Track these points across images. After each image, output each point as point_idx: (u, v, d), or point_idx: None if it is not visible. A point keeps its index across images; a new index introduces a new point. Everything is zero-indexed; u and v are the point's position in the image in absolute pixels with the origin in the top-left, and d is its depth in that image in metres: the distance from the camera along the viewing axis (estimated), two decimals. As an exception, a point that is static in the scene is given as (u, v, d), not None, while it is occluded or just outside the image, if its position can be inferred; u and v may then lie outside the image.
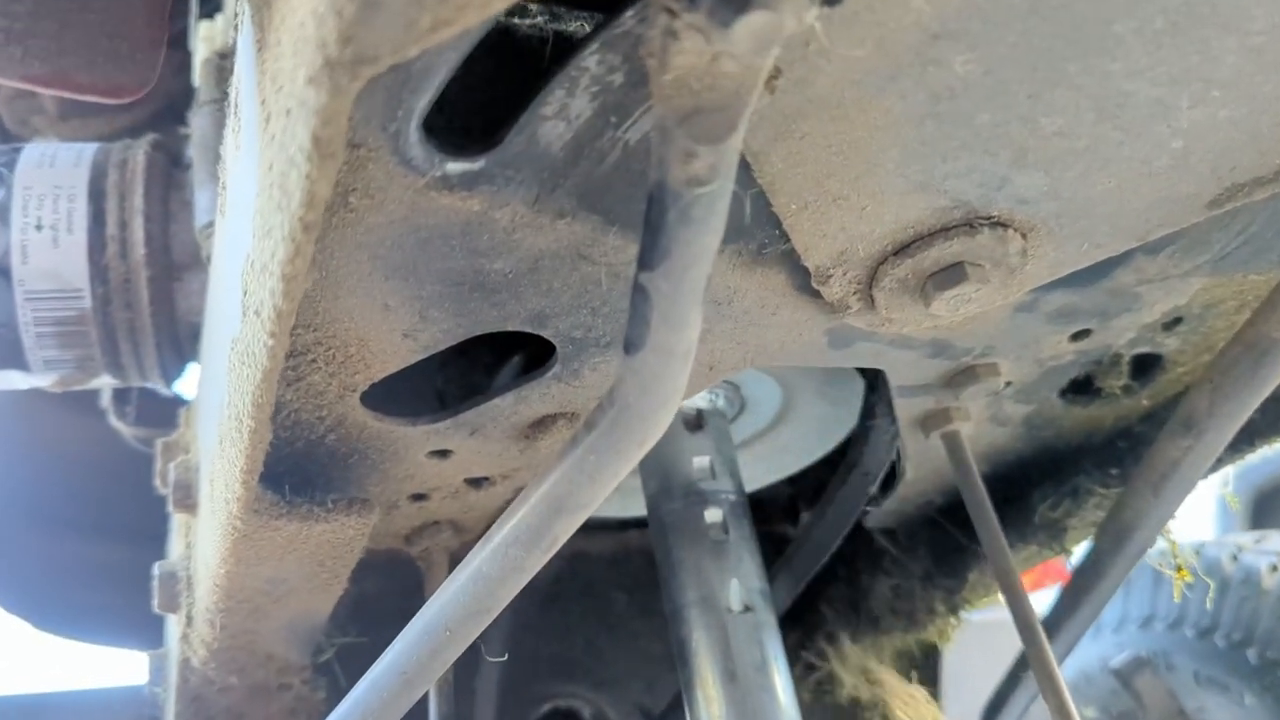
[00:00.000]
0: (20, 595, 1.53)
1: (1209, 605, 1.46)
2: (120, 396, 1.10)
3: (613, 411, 0.51)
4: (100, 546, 1.63)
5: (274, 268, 0.42)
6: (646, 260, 0.46)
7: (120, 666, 1.84)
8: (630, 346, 0.49)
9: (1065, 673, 1.52)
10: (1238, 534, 1.56)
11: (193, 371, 1.03)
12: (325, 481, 0.70)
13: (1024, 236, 0.61)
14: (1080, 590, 0.80)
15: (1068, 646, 0.82)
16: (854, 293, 0.62)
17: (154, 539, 1.65)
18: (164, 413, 1.21)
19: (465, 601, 0.59)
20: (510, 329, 0.62)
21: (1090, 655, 1.62)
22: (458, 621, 0.60)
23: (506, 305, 0.59)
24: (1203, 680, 1.43)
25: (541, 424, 0.74)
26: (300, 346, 0.57)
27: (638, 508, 1.18)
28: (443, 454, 0.74)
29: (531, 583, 1.29)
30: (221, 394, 0.60)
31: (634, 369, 0.49)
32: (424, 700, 1.07)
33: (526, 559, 0.57)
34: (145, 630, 1.65)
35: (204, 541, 0.73)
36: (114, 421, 1.08)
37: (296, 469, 0.68)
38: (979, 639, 1.57)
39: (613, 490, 0.55)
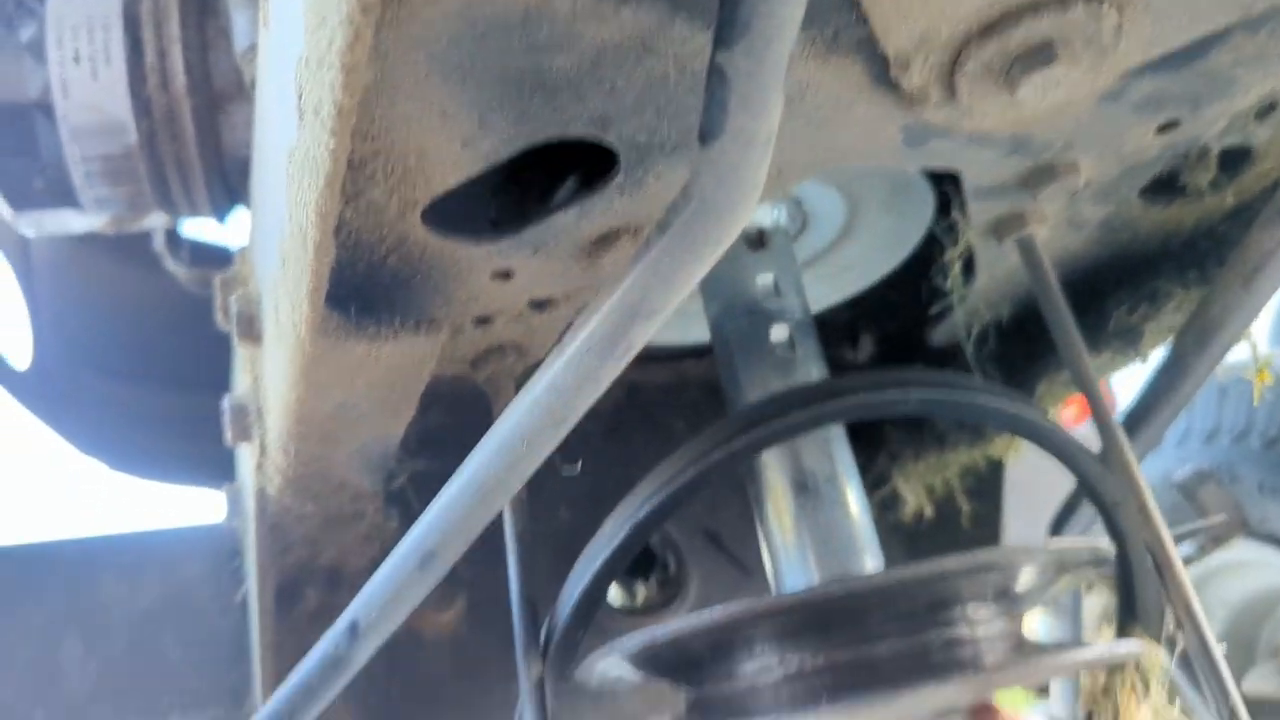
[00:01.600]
0: (92, 438, 1.58)
1: (1276, 415, 1.44)
2: (173, 240, 1.09)
3: (688, 209, 0.49)
4: (163, 394, 1.66)
5: (332, 58, 0.39)
6: (724, 37, 0.43)
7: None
8: (706, 136, 0.47)
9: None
10: (1307, 345, 1.53)
11: (242, 215, 1.02)
12: (389, 305, 0.69)
13: (1119, 10, 0.56)
14: (1161, 390, 0.78)
15: (1147, 447, 0.80)
16: (935, 80, 0.59)
17: (212, 387, 1.68)
18: (216, 263, 1.21)
19: (540, 413, 0.59)
20: (572, 134, 0.59)
21: (1153, 471, 1.61)
22: (534, 433, 0.60)
23: (568, 107, 0.57)
24: (1267, 490, 1.43)
25: (604, 240, 0.72)
26: (358, 159, 0.55)
27: (697, 333, 1.17)
28: (505, 275, 0.73)
29: (593, 413, 1.30)
30: (281, 214, 0.58)
31: (710, 160, 0.47)
32: (499, 522, 1.09)
33: (601, 368, 0.56)
34: (215, 472, 1.70)
35: (272, 370, 0.73)
36: (169, 265, 1.08)
37: (360, 293, 0.67)
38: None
39: (679, 303, 0.54)
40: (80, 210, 0.88)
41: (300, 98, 0.46)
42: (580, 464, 1.16)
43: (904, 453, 1.20)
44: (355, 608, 0.75)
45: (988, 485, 1.21)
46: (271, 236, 0.66)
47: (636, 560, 1.25)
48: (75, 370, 1.56)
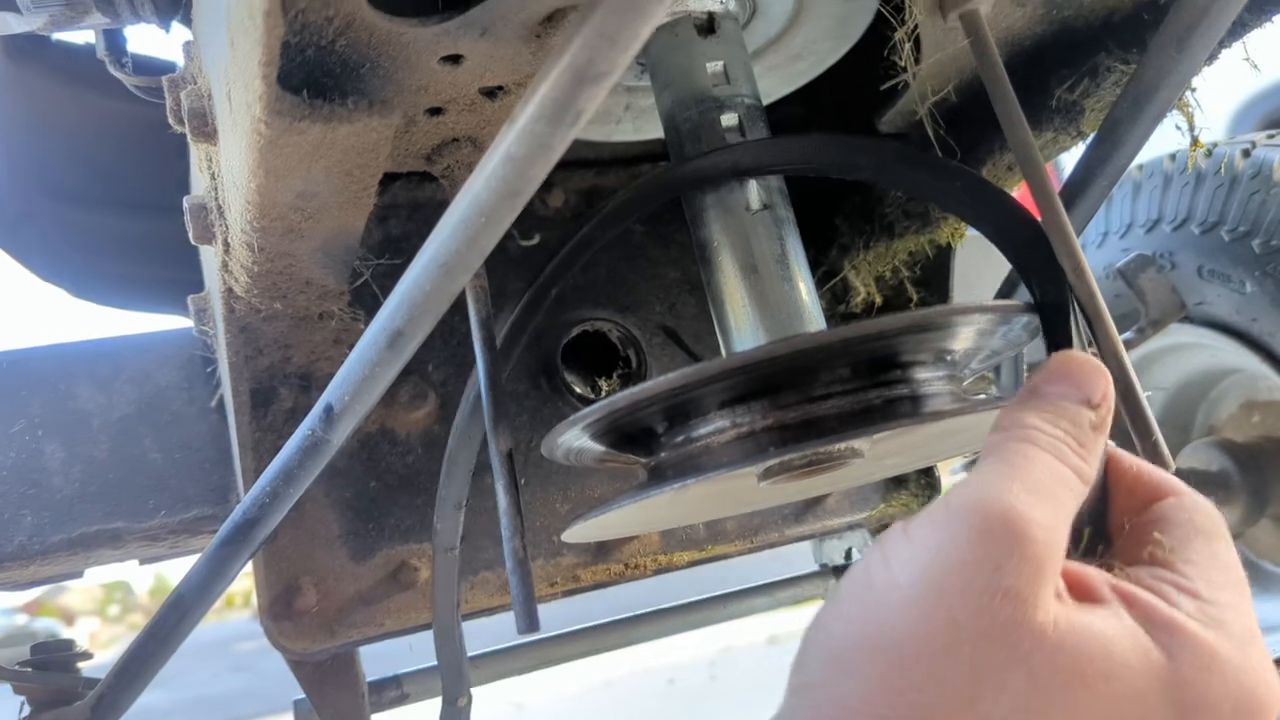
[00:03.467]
0: (53, 264, 1.58)
1: (1217, 202, 1.48)
2: (114, 45, 1.07)
3: (630, -35, 0.50)
4: (121, 219, 1.65)
5: None
6: None
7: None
8: (645, -113, 0.47)
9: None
10: (1250, 134, 1.56)
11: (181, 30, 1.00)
12: (340, 91, 0.69)
13: None
14: (1097, 161, 0.81)
15: (1085, 217, 0.84)
16: None
17: (169, 210, 1.67)
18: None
19: (496, 185, 0.60)
20: (514, -97, 0.59)
21: (1096, 262, 1.66)
22: (491, 206, 0.62)
23: (508, -128, 0.56)
24: (1205, 273, 1.48)
25: (552, 19, 0.72)
26: (299, -70, 0.55)
27: (652, 129, 1.18)
28: (455, 59, 0.73)
29: (553, 218, 1.31)
30: (226, -10, 0.58)
31: (650, -87, 0.48)
32: (464, 323, 1.12)
33: (553, 134, 0.57)
34: (175, 296, 1.71)
35: (230, 163, 0.74)
36: (112, 70, 1.06)
37: (310, 79, 0.67)
38: (982, 245, 1.61)
39: (626, 64, 0.55)
40: (17, 13, 0.86)
41: None
42: (538, 238, 1.19)
43: (854, 243, 1.23)
44: (330, 391, 0.78)
45: (936, 273, 1.25)
46: (217, 21, 0.66)
47: (599, 356, 1.29)
48: (29, 197, 1.54)
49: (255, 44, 0.56)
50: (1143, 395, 0.76)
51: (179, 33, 1.00)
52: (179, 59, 1.45)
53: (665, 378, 0.70)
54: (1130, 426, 0.76)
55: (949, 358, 0.79)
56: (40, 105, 1.56)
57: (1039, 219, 0.80)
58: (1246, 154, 1.47)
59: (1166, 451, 0.76)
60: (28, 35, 1.55)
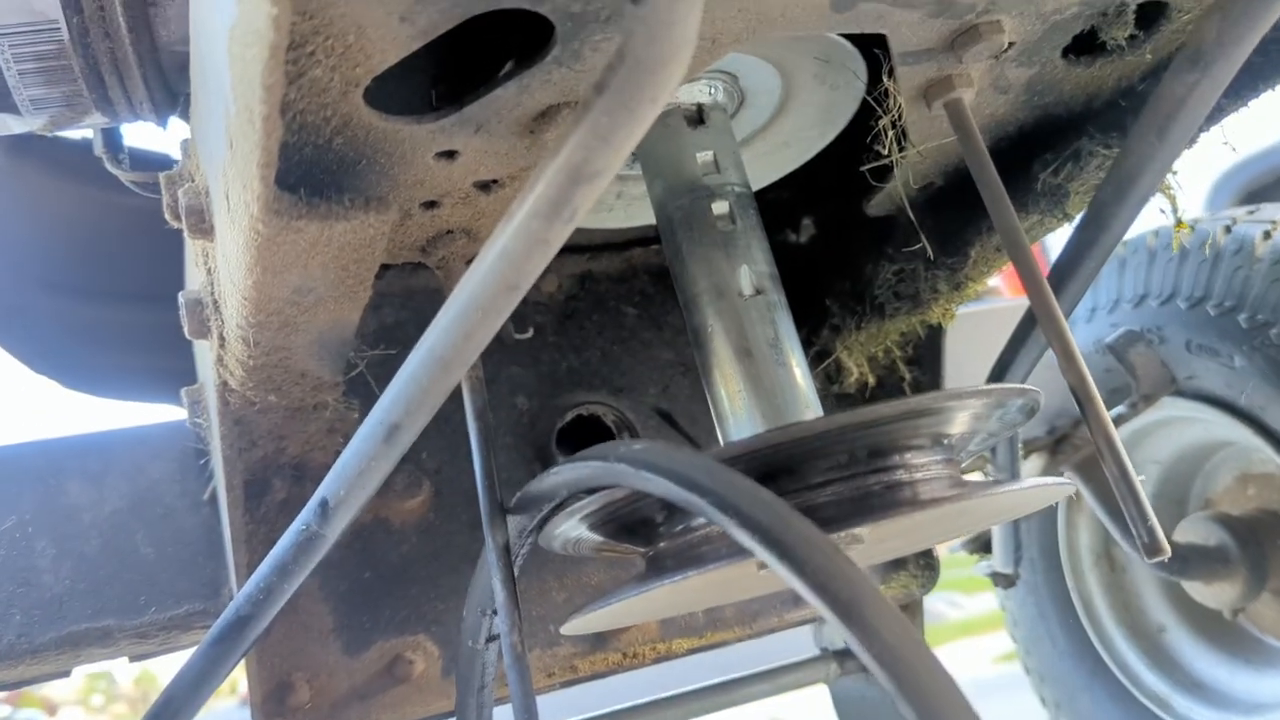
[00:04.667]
0: (44, 356, 1.58)
1: (1201, 277, 1.49)
2: (112, 142, 1.09)
3: (623, 68, 0.51)
4: (112, 309, 1.66)
5: (270, -77, 0.41)
6: (650, -109, 0.45)
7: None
8: (637, -6, 0.49)
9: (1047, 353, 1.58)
10: (1231, 209, 1.58)
11: (179, 125, 1.02)
12: (337, 188, 0.70)
13: None
14: (1083, 244, 0.82)
15: (1073, 300, 0.85)
16: (857, -60, 0.61)
17: (160, 299, 1.68)
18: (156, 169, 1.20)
19: (494, 280, 0.61)
20: (506, 5, 0.61)
21: (1086, 338, 1.67)
22: (489, 300, 0.62)
23: (503, -23, 0.58)
24: (1194, 348, 1.49)
25: (546, 115, 0.73)
26: (298, 38, 0.56)
27: (643, 216, 1.19)
28: (450, 155, 0.74)
29: (547, 303, 1.32)
30: (226, 95, 0.59)
31: (642, 18, 0.49)
32: (459, 412, 1.12)
33: (549, 231, 0.58)
34: (168, 386, 1.71)
35: (227, 259, 0.75)
36: (110, 167, 1.07)
37: (308, 176, 0.68)
38: (973, 327, 1.62)
39: (620, 165, 0.56)
40: (17, 114, 0.88)
41: (239, -30, 0.47)
42: (532, 331, 1.19)
43: (846, 324, 1.24)
44: (325, 485, 0.78)
45: (928, 352, 1.26)
46: (216, 122, 0.67)
47: (594, 441, 1.29)
48: (23, 289, 1.54)
49: (254, 146, 0.56)
50: (1137, 480, 0.76)
51: (175, 126, 1.02)
52: (173, 152, 1.47)
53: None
54: (1125, 511, 0.76)
55: (946, 441, 0.79)
56: (35, 198, 1.58)
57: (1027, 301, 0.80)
58: (1228, 230, 1.49)
59: (1162, 536, 0.75)
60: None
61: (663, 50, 0.49)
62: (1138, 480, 0.73)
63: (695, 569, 0.70)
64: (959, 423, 0.76)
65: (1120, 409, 1.55)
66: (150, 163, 1.38)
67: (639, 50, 0.49)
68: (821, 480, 0.73)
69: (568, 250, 1.37)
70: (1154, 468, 1.78)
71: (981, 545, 1.73)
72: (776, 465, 0.72)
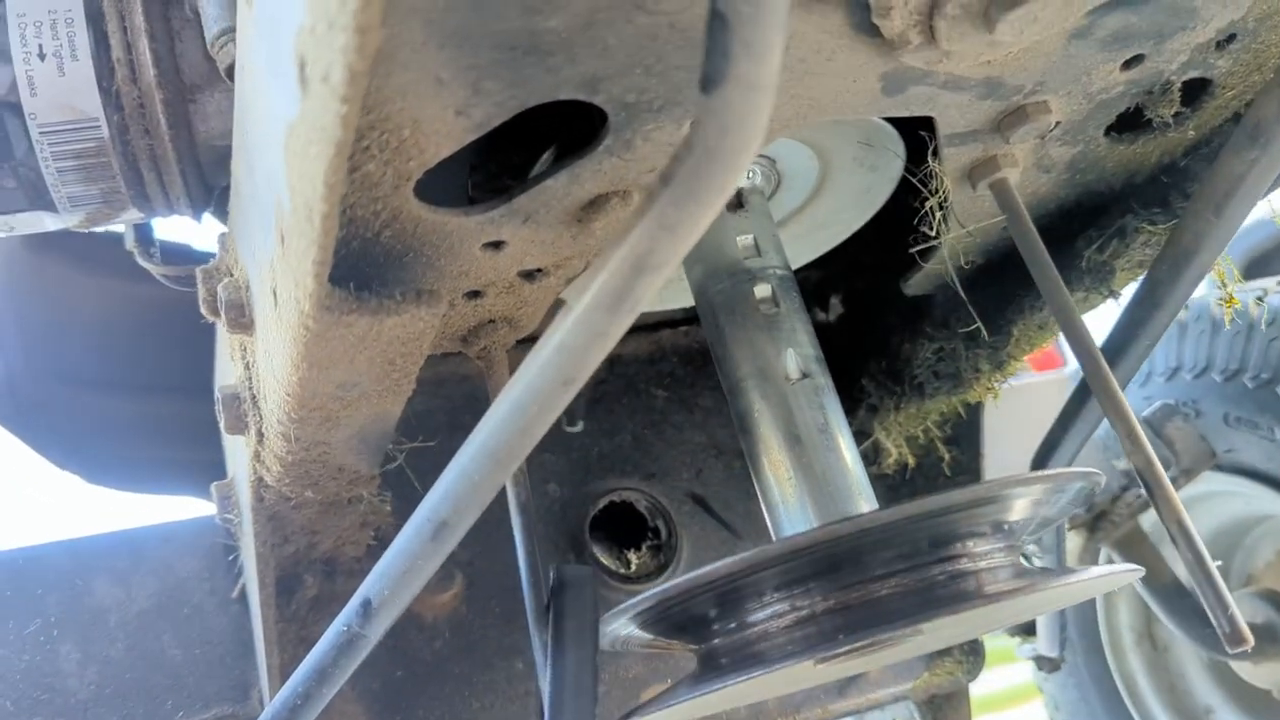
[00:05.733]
0: (66, 451, 1.56)
1: (1236, 349, 1.48)
2: (144, 237, 1.08)
3: (692, 158, 0.50)
4: (134, 402, 1.64)
5: (344, 20, 0.40)
6: (724, -18, 0.44)
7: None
8: (708, 83, 0.48)
9: (1095, 431, 1.56)
10: (1261, 280, 1.57)
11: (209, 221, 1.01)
12: (383, 281, 0.69)
13: (1089, -54, 0.58)
14: (1137, 320, 0.81)
15: (1128, 374, 0.83)
16: (914, 25, 0.60)
17: (184, 392, 1.66)
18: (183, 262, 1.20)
19: (551, 374, 0.59)
20: (561, 97, 0.60)
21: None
22: (544, 395, 0.60)
23: (560, 70, 0.57)
24: (1232, 421, 1.47)
25: (594, 205, 0.72)
26: (356, 133, 0.55)
27: (676, 300, 1.18)
28: (496, 245, 0.73)
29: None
30: (279, 192, 0.58)
31: (713, 108, 0.48)
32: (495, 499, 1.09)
33: (609, 323, 0.56)
34: (191, 478, 1.69)
35: (270, 354, 0.73)
36: (142, 261, 1.07)
37: (354, 271, 0.67)
38: (1003, 403, 1.60)
39: (689, 249, 0.55)
40: (54, 211, 0.87)
41: (303, 68, 0.47)
42: (581, 425, 1.17)
43: (884, 405, 1.22)
44: (368, 585, 0.75)
45: (967, 432, 1.24)
46: (264, 217, 0.66)
47: (628, 529, 1.26)
48: (45, 384, 1.53)
49: (310, 244, 0.55)
50: (1213, 565, 0.73)
51: (206, 221, 1.02)
52: (195, 244, 1.46)
53: (722, 563, 0.67)
54: (1203, 597, 0.73)
55: (1006, 528, 0.77)
56: (58, 292, 1.57)
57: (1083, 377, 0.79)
58: (1260, 301, 1.48)
59: (1244, 624, 0.72)
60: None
61: (735, 141, 0.48)
62: (1214, 565, 0.70)
63: (760, 669, 0.67)
64: (1020, 509, 0.73)
65: (1159, 484, 1.52)
66: (173, 255, 1.38)
67: (710, 141, 0.48)
68: (884, 572, 0.71)
69: (596, 334, 1.36)
70: (1192, 543, 1.74)
71: (1024, 628, 1.69)
72: (839, 557, 0.69)
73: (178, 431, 1.60)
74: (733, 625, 0.76)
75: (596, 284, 0.55)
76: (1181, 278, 0.77)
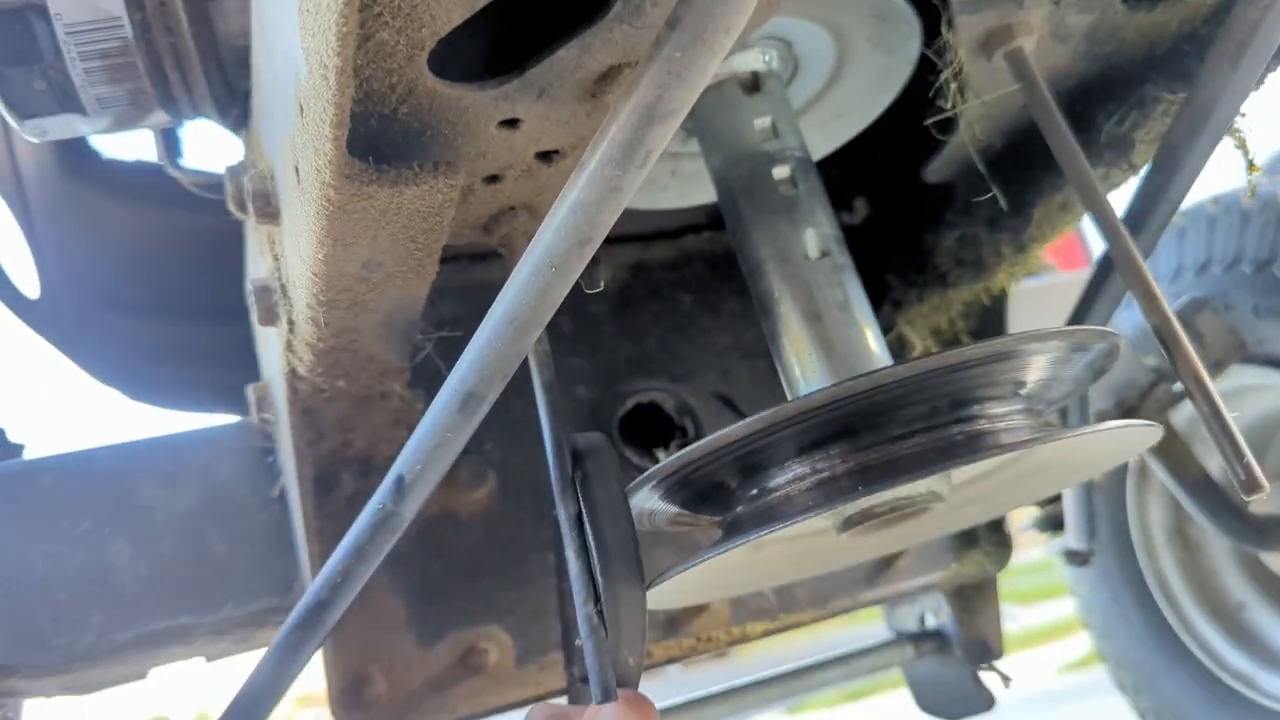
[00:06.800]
0: (107, 368, 1.61)
1: (1266, 240, 1.46)
2: (170, 144, 1.10)
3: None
4: (171, 325, 1.68)
5: None
6: None
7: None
8: (709, -79, 0.48)
9: (1123, 328, 1.55)
10: (1292, 170, 1.55)
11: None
12: (401, 158, 0.70)
13: None
14: (1156, 186, 0.80)
15: (1150, 244, 0.83)
16: None
17: (215, 315, 1.70)
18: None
19: (567, 234, 0.60)
20: (570, -45, 0.60)
21: (1147, 309, 1.64)
22: (562, 257, 0.62)
23: (566, -73, 0.58)
24: (1262, 312, 1.45)
25: (606, 77, 0.73)
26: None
27: (698, 194, 1.18)
28: (512, 123, 0.74)
29: (603, 292, 1.32)
30: (296, 57, 0.60)
31: (716, -56, 0.48)
32: (520, 403, 1.12)
33: (623, 177, 0.57)
34: (226, 399, 1.73)
35: (296, 237, 0.75)
36: (169, 170, 1.09)
37: (374, 148, 0.68)
38: (1029, 303, 1.60)
39: (696, 96, 0.55)
40: (84, 114, 0.89)
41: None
42: (603, 284, 1.19)
43: (908, 297, 1.22)
44: (401, 462, 0.78)
45: (992, 323, 1.24)
46: (284, 96, 0.67)
47: (655, 428, 1.28)
48: (85, 306, 1.57)
49: (327, 104, 0.57)
50: (1229, 417, 0.74)
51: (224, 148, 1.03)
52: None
53: (741, 423, 0.68)
54: (1220, 448, 0.74)
55: (1025, 390, 0.77)
56: (93, 219, 1.60)
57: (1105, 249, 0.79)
58: (1292, 189, 1.45)
59: (1259, 471, 0.73)
60: (80, 152, 1.60)
61: (737, -24, 0.48)
62: (1230, 417, 0.71)
63: (782, 522, 0.69)
64: (1039, 367, 0.74)
65: (1188, 379, 1.52)
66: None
67: (712, -22, 0.49)
68: (903, 432, 0.72)
69: (621, 240, 1.37)
70: (1224, 441, 1.74)
71: (1053, 524, 1.70)
72: (857, 416, 0.70)
73: (210, 354, 1.64)
74: (755, 491, 0.78)
75: (608, 137, 0.56)
76: (1199, 137, 0.77)
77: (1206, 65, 0.74)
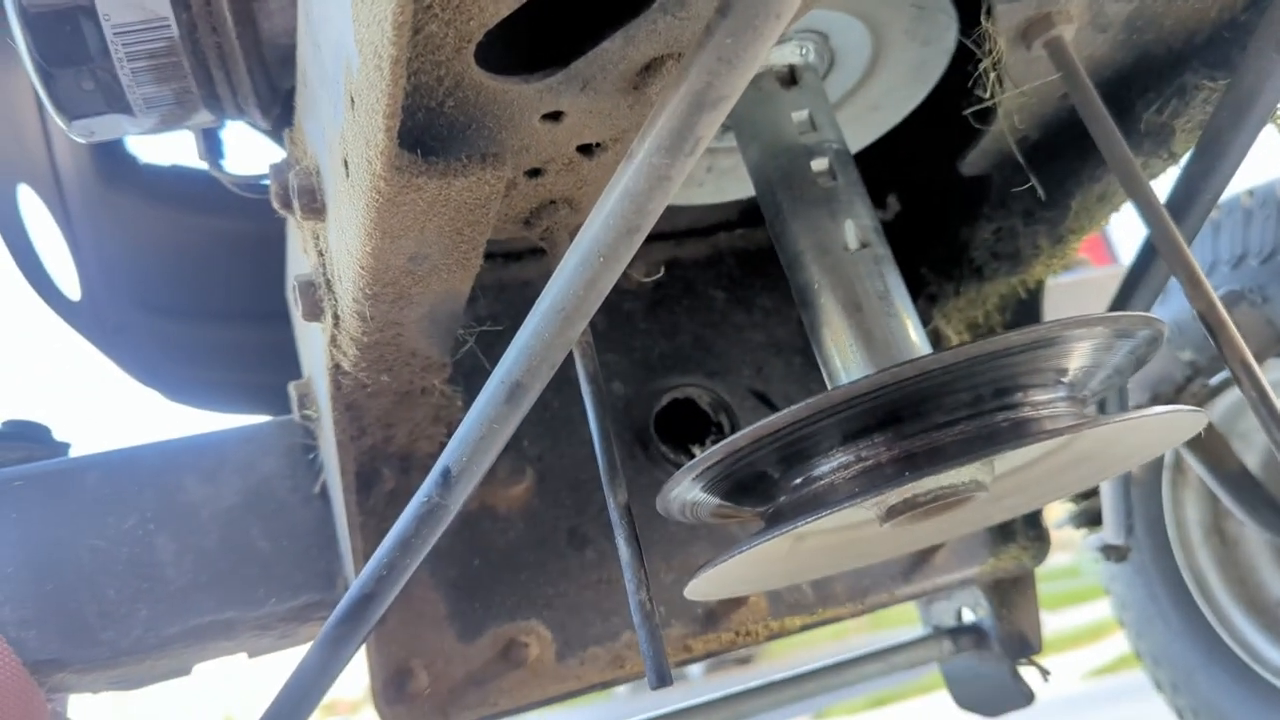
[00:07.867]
0: (147, 370, 1.63)
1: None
2: (212, 145, 1.11)
3: (747, -15, 0.51)
4: (209, 328, 1.71)
5: None
6: None
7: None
8: (760, -90, 0.49)
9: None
10: (1329, 163, 1.53)
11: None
12: (447, 151, 0.71)
13: None
14: (1199, 173, 0.80)
15: (1193, 230, 0.83)
16: None
17: (252, 319, 1.72)
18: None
19: (615, 223, 0.61)
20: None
21: (1183, 304, 1.63)
22: (610, 246, 0.62)
23: (612, -82, 0.58)
24: (1300, 305, 1.44)
25: (650, 69, 0.74)
26: (416, -10, 0.57)
27: (734, 190, 1.19)
28: (555, 116, 0.75)
29: (636, 291, 1.32)
30: (348, 50, 0.61)
31: (767, -70, 0.49)
32: (560, 397, 1.13)
33: (672, 166, 0.58)
34: (263, 401, 1.75)
35: (343, 230, 0.76)
36: (212, 171, 1.10)
37: (421, 141, 0.69)
38: (1064, 298, 1.59)
39: (747, 83, 0.56)
40: (130, 114, 0.90)
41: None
42: (662, 270, 1.20)
43: (944, 291, 1.22)
44: (447, 454, 0.78)
45: (1028, 317, 1.23)
46: (334, 91, 0.68)
47: (691, 424, 1.28)
48: (124, 309, 1.60)
49: (381, 95, 0.57)
50: (1276, 401, 0.73)
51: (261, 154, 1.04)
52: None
53: (786, 410, 0.69)
54: (1268, 434, 0.73)
55: (1068, 378, 0.77)
56: (130, 223, 1.63)
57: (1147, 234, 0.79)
58: (1329, 181, 1.44)
59: (1311, 457, 0.73)
60: (117, 158, 1.63)
61: (788, -38, 0.49)
62: (1278, 402, 0.70)
63: (825, 509, 0.69)
64: (1082, 354, 0.74)
65: (1225, 374, 1.51)
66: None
67: (763, -37, 0.49)
68: (947, 420, 0.72)
69: (654, 237, 1.37)
70: (1263, 436, 1.72)
71: (1089, 519, 1.69)
72: (901, 403, 0.71)
73: (248, 356, 1.66)
74: (799, 480, 0.78)
75: (657, 125, 0.57)
76: (1244, 122, 0.77)
77: (1250, 51, 0.74)
